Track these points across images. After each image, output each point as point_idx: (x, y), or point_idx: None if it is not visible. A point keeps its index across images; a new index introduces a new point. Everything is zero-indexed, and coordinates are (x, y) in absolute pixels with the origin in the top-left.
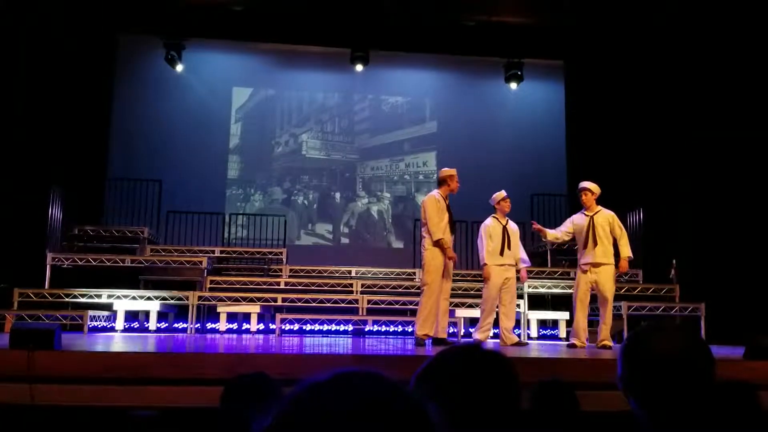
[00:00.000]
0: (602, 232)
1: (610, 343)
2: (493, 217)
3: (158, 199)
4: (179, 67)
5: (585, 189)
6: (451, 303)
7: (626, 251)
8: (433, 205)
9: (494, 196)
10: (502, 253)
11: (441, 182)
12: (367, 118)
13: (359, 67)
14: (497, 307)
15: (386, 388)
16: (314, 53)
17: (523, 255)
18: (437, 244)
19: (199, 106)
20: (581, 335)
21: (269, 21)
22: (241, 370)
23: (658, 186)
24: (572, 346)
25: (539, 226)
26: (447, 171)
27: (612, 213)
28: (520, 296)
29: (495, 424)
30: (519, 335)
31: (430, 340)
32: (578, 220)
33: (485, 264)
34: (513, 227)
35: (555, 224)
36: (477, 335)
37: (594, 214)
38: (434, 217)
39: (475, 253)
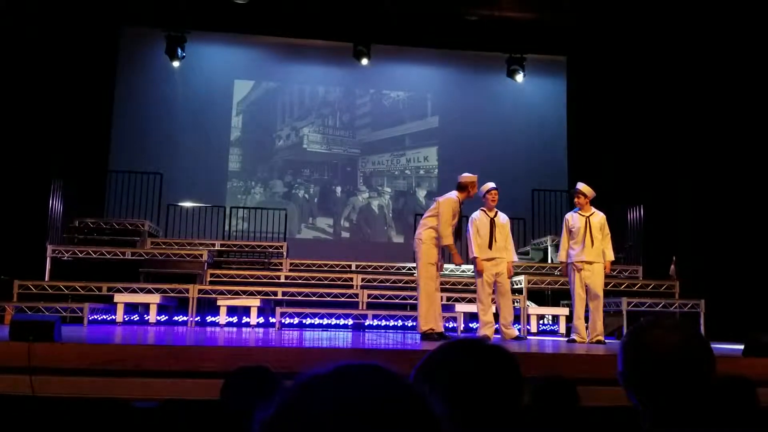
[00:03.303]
0: (598, 233)
1: (602, 336)
2: (481, 210)
3: (159, 191)
4: (181, 60)
5: (578, 192)
6: (450, 298)
7: (611, 254)
8: (452, 209)
9: (481, 188)
10: (490, 247)
11: (462, 187)
12: (368, 113)
13: (361, 62)
14: (493, 302)
15: (388, 380)
16: (316, 47)
17: (512, 248)
18: (447, 247)
19: (201, 99)
20: (582, 331)
21: (271, 14)
22: (241, 363)
23: (658, 182)
24: (572, 341)
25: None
26: (470, 177)
27: (603, 215)
28: (519, 291)
29: (497, 420)
30: (519, 330)
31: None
32: (573, 220)
33: (475, 257)
34: (502, 219)
35: (555, 220)
36: (483, 331)
37: (590, 215)
38: (447, 219)
39: None
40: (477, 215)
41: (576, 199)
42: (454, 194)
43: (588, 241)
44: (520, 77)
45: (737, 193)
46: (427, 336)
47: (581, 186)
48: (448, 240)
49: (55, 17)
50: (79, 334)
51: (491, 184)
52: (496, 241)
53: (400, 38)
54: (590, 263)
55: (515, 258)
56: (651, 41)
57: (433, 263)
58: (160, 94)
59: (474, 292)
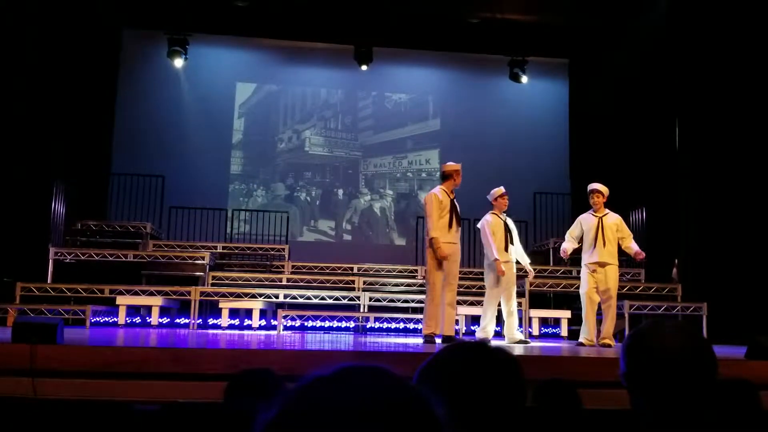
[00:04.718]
0: (610, 234)
1: (611, 341)
2: (492, 213)
3: (161, 194)
4: (183, 63)
5: (596, 191)
6: None
7: (636, 247)
8: (433, 202)
9: (493, 191)
10: (506, 249)
11: (446, 177)
12: (370, 115)
13: (363, 65)
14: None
15: (391, 382)
16: (318, 49)
17: (522, 251)
18: (431, 242)
19: (203, 102)
20: (590, 333)
21: (273, 17)
22: (243, 365)
23: (660, 185)
24: (580, 344)
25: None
26: (452, 165)
27: (619, 216)
28: (522, 294)
29: (499, 422)
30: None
31: (440, 338)
32: (587, 220)
33: (496, 260)
34: (512, 224)
35: (557, 221)
36: (481, 333)
37: (603, 216)
38: (434, 214)
39: (479, 251)
40: (490, 219)
41: (595, 198)
42: (437, 188)
43: (600, 242)
44: (522, 80)
45: (740, 196)
46: (428, 339)
47: (598, 185)
48: (433, 233)
49: (57, 19)
50: (81, 337)
51: (503, 189)
52: (513, 243)
53: (401, 41)
54: (603, 265)
55: (528, 260)
56: (653, 42)
57: (437, 267)
58: (162, 97)
59: (476, 294)
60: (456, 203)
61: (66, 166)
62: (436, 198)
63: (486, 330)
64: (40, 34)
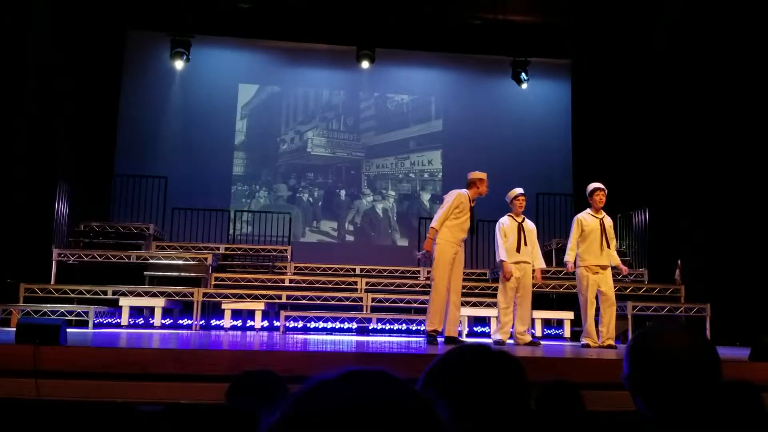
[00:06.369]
0: (610, 236)
1: (613, 342)
2: (509, 215)
3: (164, 195)
4: (186, 64)
5: (602, 189)
6: None
7: (618, 259)
8: (456, 199)
9: (509, 193)
10: (518, 250)
11: (470, 184)
12: (372, 116)
13: (365, 65)
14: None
15: (394, 386)
16: (320, 50)
17: (539, 255)
18: (432, 233)
19: (205, 103)
20: (593, 335)
21: (276, 18)
22: (245, 367)
23: (664, 186)
24: (586, 345)
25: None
26: (476, 174)
27: (611, 219)
28: None
29: (503, 425)
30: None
31: (443, 339)
32: (588, 221)
33: (502, 261)
34: (530, 225)
35: (560, 222)
36: (498, 335)
37: (603, 218)
38: (448, 209)
39: (481, 251)
40: (505, 221)
41: (602, 196)
42: (464, 190)
43: (603, 244)
44: (524, 81)
45: (743, 197)
46: (431, 338)
47: (600, 184)
48: (436, 223)
49: (61, 20)
50: (84, 338)
51: (519, 190)
52: (526, 245)
53: (404, 42)
54: (604, 267)
55: (543, 264)
56: (656, 43)
57: (447, 262)
58: (165, 98)
59: (479, 295)
60: (473, 211)
61: (69, 167)
62: (460, 197)
63: (503, 330)
64: (44, 35)
